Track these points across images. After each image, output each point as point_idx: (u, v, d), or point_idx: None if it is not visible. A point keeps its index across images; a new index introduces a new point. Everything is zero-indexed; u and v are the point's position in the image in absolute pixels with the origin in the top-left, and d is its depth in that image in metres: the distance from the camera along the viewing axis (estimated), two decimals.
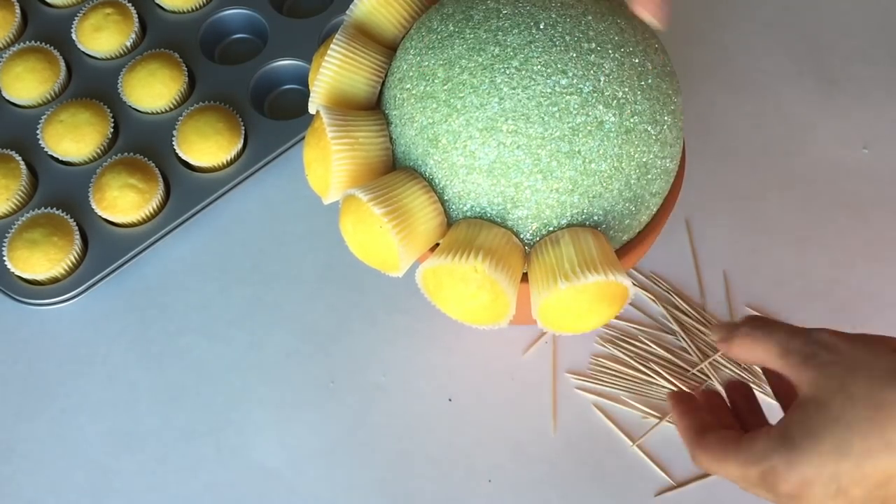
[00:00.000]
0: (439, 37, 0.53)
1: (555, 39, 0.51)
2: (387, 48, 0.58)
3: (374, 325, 0.67)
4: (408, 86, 0.53)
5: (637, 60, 0.52)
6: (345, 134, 0.52)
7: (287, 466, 0.62)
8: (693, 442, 0.48)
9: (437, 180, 0.52)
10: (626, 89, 0.51)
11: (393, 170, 0.55)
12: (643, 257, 0.59)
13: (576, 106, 0.50)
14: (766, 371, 0.52)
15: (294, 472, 0.62)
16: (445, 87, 0.51)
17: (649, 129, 0.52)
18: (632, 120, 0.51)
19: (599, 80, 0.51)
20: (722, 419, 0.50)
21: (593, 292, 0.50)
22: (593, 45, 0.51)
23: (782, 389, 0.50)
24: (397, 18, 0.58)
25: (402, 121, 0.54)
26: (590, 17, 0.52)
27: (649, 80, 0.53)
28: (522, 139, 0.50)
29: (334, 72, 0.55)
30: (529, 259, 0.53)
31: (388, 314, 0.65)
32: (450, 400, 0.64)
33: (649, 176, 0.53)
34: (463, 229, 0.52)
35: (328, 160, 0.53)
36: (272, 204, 0.72)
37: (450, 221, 0.53)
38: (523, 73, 0.50)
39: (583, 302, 0.51)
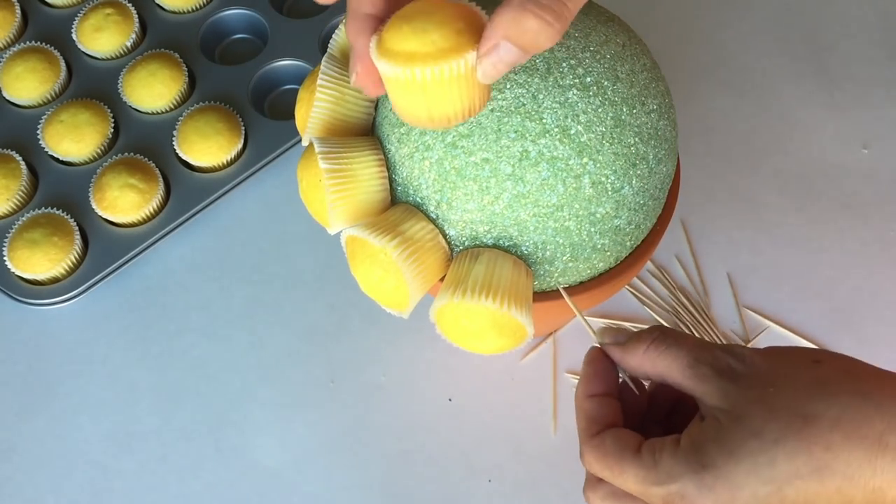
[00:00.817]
0: None
1: (537, 64, 0.49)
2: None
3: (375, 324, 0.67)
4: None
5: (623, 110, 0.50)
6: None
7: (287, 466, 0.62)
8: (587, 435, 0.42)
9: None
10: (593, 136, 0.49)
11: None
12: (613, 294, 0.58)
13: (533, 133, 0.49)
14: (647, 390, 0.47)
15: (294, 471, 0.62)
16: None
17: (606, 182, 0.50)
18: (587, 167, 0.49)
19: (567, 118, 0.49)
20: (639, 410, 0.45)
21: (487, 317, 0.50)
22: (577, 82, 0.50)
23: (662, 411, 0.46)
24: None
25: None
26: (587, 55, 0.50)
27: (628, 139, 0.50)
28: (471, 146, 0.49)
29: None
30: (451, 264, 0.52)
31: (387, 314, 0.64)
32: (450, 400, 0.64)
33: (594, 230, 0.51)
34: (398, 212, 0.51)
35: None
36: (272, 204, 0.72)
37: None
38: (497, 84, 0.49)
39: (475, 322, 0.50)
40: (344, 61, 0.55)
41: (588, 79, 0.50)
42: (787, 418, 0.37)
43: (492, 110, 0.49)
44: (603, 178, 0.50)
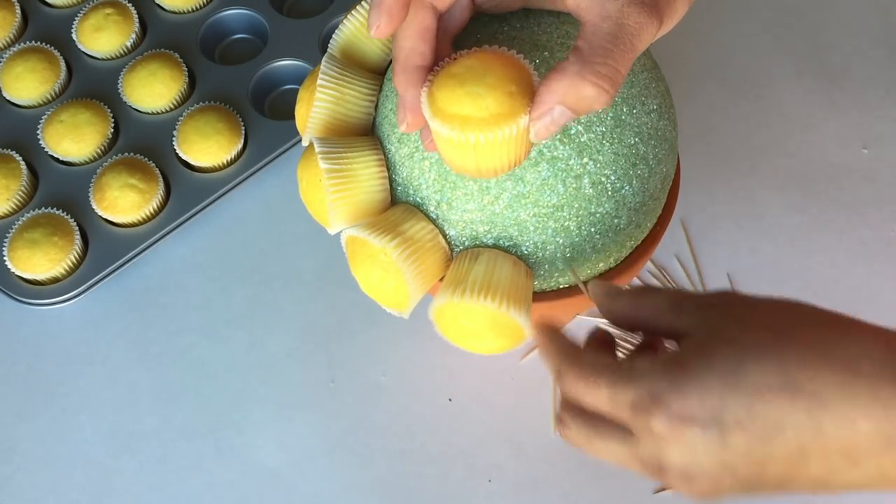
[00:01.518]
0: None
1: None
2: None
3: (375, 324, 0.67)
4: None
5: (623, 110, 0.50)
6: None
7: (287, 466, 0.62)
8: (563, 361, 0.41)
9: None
10: (593, 136, 0.49)
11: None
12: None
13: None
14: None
15: (294, 471, 0.62)
16: None
17: (606, 182, 0.50)
18: (587, 167, 0.49)
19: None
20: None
21: (485, 317, 0.50)
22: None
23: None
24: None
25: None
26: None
27: (628, 139, 0.50)
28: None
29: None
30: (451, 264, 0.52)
31: (387, 315, 0.65)
32: (450, 400, 0.64)
33: (594, 230, 0.51)
34: (398, 212, 0.52)
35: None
36: (272, 204, 0.72)
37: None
38: None
39: (474, 322, 0.50)
40: (344, 61, 0.55)
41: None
42: (763, 332, 0.37)
43: None
44: (603, 178, 0.50)
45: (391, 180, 0.53)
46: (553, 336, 0.43)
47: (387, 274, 0.51)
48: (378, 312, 0.66)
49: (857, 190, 0.72)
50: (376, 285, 0.53)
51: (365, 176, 0.52)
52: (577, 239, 0.51)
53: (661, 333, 0.42)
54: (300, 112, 0.57)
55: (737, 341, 0.37)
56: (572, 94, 0.42)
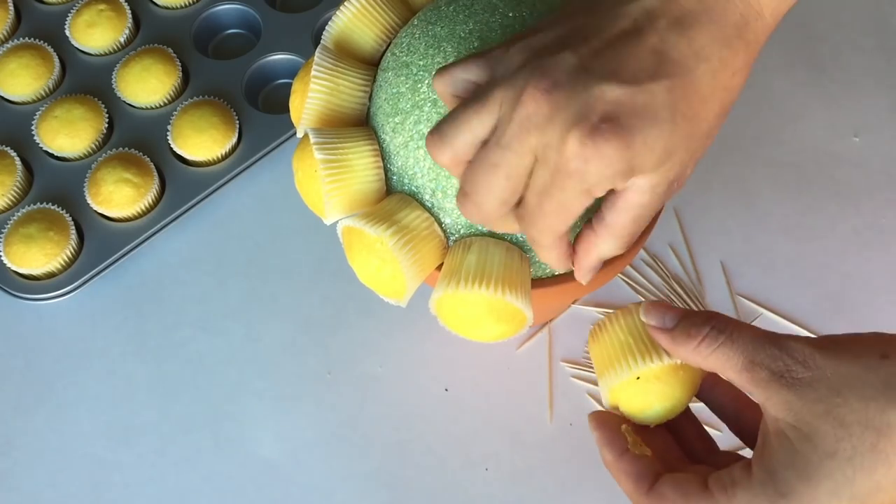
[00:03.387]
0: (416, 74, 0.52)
1: None
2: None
3: (370, 316, 0.67)
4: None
5: None
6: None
7: (285, 457, 0.63)
8: (642, 496, 0.40)
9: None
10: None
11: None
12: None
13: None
14: (707, 384, 0.45)
15: (292, 462, 0.63)
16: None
17: None
18: None
19: None
20: (665, 451, 0.43)
21: (483, 305, 0.50)
22: None
23: (730, 407, 0.45)
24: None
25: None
26: None
27: None
28: None
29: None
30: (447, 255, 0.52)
31: (383, 305, 0.65)
32: (446, 390, 0.65)
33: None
34: (393, 201, 0.52)
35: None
36: (267, 197, 0.72)
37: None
38: None
39: (472, 310, 0.51)
40: (338, 52, 0.56)
41: None
42: (861, 433, 0.36)
43: None
44: None
45: (386, 170, 0.54)
46: (618, 450, 0.44)
47: (383, 263, 0.51)
48: (374, 304, 0.67)
49: (848, 178, 0.72)
50: (373, 275, 0.53)
51: (360, 166, 0.52)
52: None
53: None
54: (294, 104, 0.58)
55: (837, 454, 0.36)
56: (606, 254, 0.47)
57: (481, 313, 0.50)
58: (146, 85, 0.72)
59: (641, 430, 0.45)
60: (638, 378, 0.44)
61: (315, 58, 0.54)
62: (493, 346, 0.66)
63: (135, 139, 0.72)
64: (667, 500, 0.40)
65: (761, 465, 0.38)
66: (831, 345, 0.38)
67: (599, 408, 0.63)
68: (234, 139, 0.71)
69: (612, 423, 0.44)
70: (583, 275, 0.48)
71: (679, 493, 0.39)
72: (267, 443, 0.63)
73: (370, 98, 0.56)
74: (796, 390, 0.37)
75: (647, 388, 0.44)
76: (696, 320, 0.41)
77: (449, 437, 0.63)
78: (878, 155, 0.73)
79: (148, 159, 0.70)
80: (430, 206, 0.52)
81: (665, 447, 0.44)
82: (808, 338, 0.39)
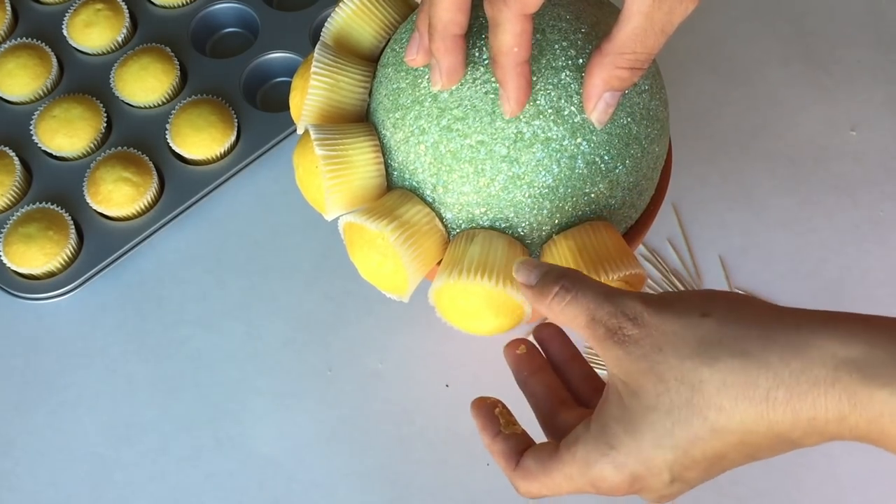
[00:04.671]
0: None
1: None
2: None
3: (371, 313, 0.67)
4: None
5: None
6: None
7: (286, 454, 0.63)
8: (511, 472, 0.44)
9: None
10: (586, 116, 0.50)
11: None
12: None
13: (528, 114, 0.49)
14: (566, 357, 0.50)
15: (293, 460, 0.63)
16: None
17: (600, 163, 0.51)
18: (581, 147, 0.50)
19: (561, 99, 0.50)
20: (554, 392, 0.47)
21: (483, 296, 0.50)
22: (570, 63, 0.50)
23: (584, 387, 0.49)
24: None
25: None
26: (579, 37, 0.51)
27: (621, 119, 0.51)
28: (466, 128, 0.50)
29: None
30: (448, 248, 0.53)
31: (383, 302, 0.65)
32: (447, 386, 0.65)
33: (588, 210, 0.52)
34: (394, 197, 0.52)
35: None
36: (266, 195, 0.72)
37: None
38: (490, 74, 0.50)
39: (471, 302, 0.51)
40: (337, 49, 0.56)
41: (580, 60, 0.50)
42: (677, 388, 0.38)
43: (486, 93, 0.50)
44: (597, 159, 0.50)
45: (387, 165, 0.54)
46: (492, 433, 0.46)
47: (385, 258, 0.52)
48: (374, 301, 0.67)
49: (846, 172, 0.72)
50: (375, 270, 0.53)
51: (361, 162, 0.52)
52: (572, 219, 0.51)
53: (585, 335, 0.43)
54: (294, 100, 0.58)
55: (657, 408, 0.39)
56: (614, 80, 0.47)
57: (481, 305, 0.51)
58: (144, 84, 0.72)
59: (532, 376, 0.49)
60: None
61: (315, 54, 0.54)
62: (494, 342, 0.66)
63: (133, 138, 0.72)
64: (530, 472, 0.43)
65: (598, 419, 0.41)
66: (661, 302, 0.41)
67: None
68: (233, 138, 0.71)
69: (487, 408, 0.47)
70: (592, 107, 0.48)
71: (538, 463, 0.43)
72: (268, 440, 0.63)
73: (370, 94, 0.56)
74: (625, 347, 0.40)
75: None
76: (549, 278, 0.43)
77: (450, 433, 0.63)
78: (874, 148, 0.73)
79: (147, 158, 0.70)
80: (431, 201, 0.52)
81: (553, 389, 0.48)
82: (641, 294, 0.41)
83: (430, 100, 0.51)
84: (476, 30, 0.51)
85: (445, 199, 0.52)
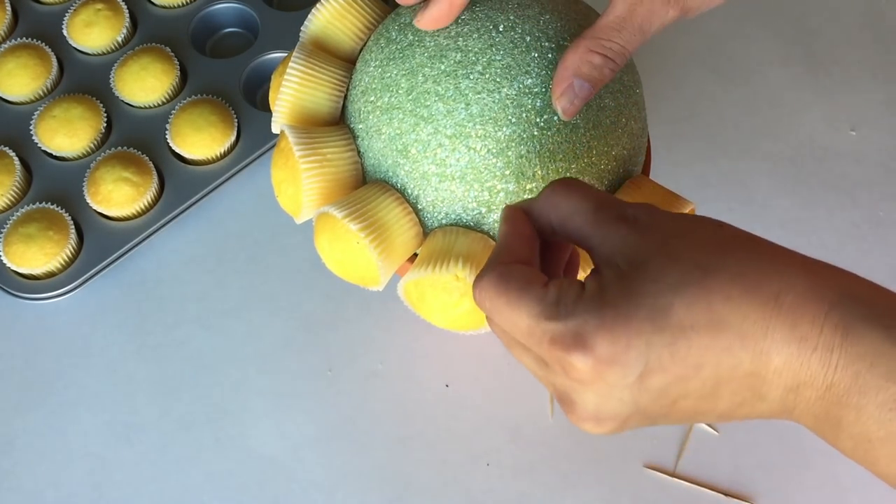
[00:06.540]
0: (399, 46, 0.53)
1: (515, 41, 0.51)
2: (346, 61, 0.57)
3: (370, 313, 0.67)
4: (371, 98, 0.53)
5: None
6: (312, 151, 0.52)
7: (286, 454, 0.63)
8: (493, 264, 0.40)
9: (409, 190, 0.52)
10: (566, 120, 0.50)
11: (364, 184, 0.55)
12: None
13: (541, 105, 0.50)
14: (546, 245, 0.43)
15: (293, 459, 0.63)
16: (410, 97, 0.51)
17: (616, 122, 0.52)
18: (599, 115, 0.52)
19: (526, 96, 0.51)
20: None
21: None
22: (553, 44, 0.51)
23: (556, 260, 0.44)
24: (353, 31, 0.57)
25: (368, 133, 0.53)
26: (547, 16, 0.52)
27: (604, 118, 0.52)
28: (492, 143, 0.50)
29: (295, 90, 0.54)
30: None
31: (383, 302, 0.65)
32: (447, 386, 0.65)
33: (621, 169, 0.53)
34: (439, 238, 0.52)
35: (298, 179, 0.52)
36: (266, 195, 0.72)
37: (426, 231, 0.53)
38: (487, 76, 0.50)
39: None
40: (314, 48, 0.56)
41: (554, 42, 0.52)
42: (688, 267, 0.36)
43: (458, 88, 0.50)
44: (613, 119, 0.52)
45: (362, 161, 0.54)
46: (508, 225, 0.41)
47: (463, 298, 0.51)
48: (374, 301, 0.67)
49: (845, 171, 0.72)
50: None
51: (336, 155, 0.53)
52: (612, 182, 0.53)
53: (575, 241, 0.40)
54: (273, 98, 0.58)
55: (662, 279, 0.36)
56: (585, 66, 0.47)
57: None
58: (144, 84, 0.72)
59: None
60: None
61: (293, 54, 0.55)
62: (493, 342, 0.66)
63: (133, 138, 0.72)
64: (510, 277, 0.39)
65: (594, 281, 0.38)
66: (675, 213, 0.40)
67: None
68: (233, 137, 0.71)
69: (520, 217, 0.43)
70: (559, 93, 0.48)
71: (524, 277, 0.39)
72: (268, 440, 0.63)
73: (347, 92, 0.56)
74: (637, 228, 0.38)
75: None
76: (547, 187, 0.42)
77: (450, 433, 0.63)
78: (874, 148, 0.73)
79: (147, 158, 0.70)
80: (405, 195, 0.52)
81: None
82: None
83: (404, 94, 0.52)
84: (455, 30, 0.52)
85: (419, 195, 0.52)
